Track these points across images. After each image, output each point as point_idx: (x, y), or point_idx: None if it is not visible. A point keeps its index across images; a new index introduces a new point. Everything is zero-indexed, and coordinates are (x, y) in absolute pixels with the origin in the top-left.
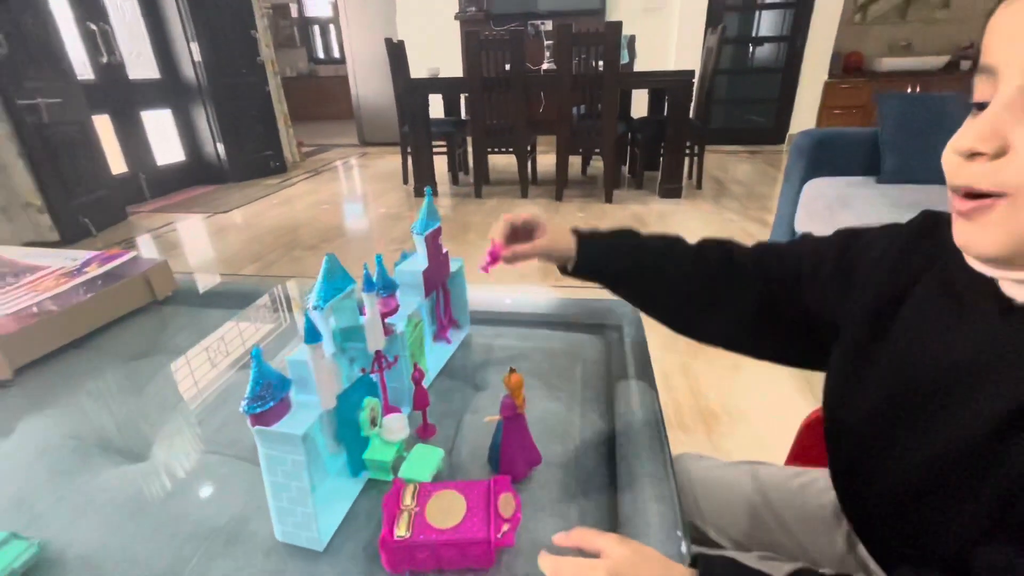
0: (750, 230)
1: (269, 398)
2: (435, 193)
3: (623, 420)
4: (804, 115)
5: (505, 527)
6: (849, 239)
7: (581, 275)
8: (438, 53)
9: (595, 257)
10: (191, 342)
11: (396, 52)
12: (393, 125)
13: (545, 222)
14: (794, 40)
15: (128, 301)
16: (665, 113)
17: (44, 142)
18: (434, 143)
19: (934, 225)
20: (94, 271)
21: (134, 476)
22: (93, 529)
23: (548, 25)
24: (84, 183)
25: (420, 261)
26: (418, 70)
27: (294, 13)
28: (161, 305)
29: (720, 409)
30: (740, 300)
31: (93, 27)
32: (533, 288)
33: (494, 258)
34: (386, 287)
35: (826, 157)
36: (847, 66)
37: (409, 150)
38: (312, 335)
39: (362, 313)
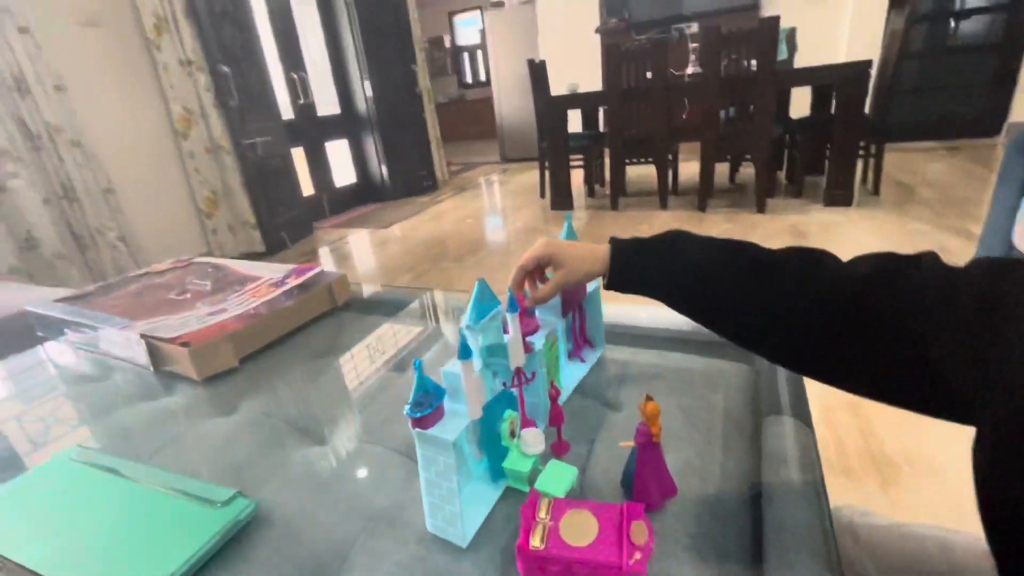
0: (948, 244)
1: (427, 405)
2: (571, 206)
3: (772, 460)
4: None
5: (637, 555)
6: (995, 276)
7: (618, 290)
8: (579, 68)
9: (629, 272)
10: (362, 344)
11: (537, 72)
12: (532, 141)
13: (559, 250)
14: (1018, 8)
15: (316, 307)
16: (832, 110)
17: (258, 172)
18: (571, 157)
19: None
20: (293, 282)
21: (318, 456)
22: (290, 497)
23: (694, 27)
24: (283, 204)
25: None
26: (559, 86)
27: (447, 44)
28: (340, 311)
29: (900, 457)
30: (819, 336)
31: (295, 76)
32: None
33: (523, 313)
34: (528, 308)
35: None
36: None
37: (546, 165)
38: (465, 352)
39: (506, 331)
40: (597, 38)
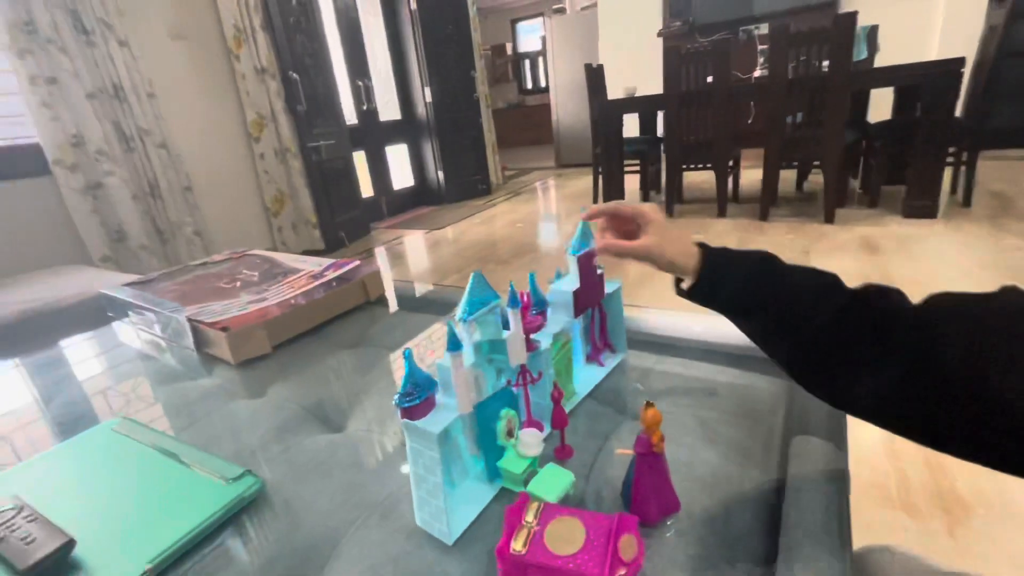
0: None
1: (416, 395)
2: None
3: (796, 485)
4: None
5: (622, 571)
6: None
7: (698, 299)
8: (640, 73)
9: (720, 281)
10: (390, 338)
11: (595, 76)
12: (588, 146)
13: (658, 219)
14: None
15: (350, 300)
16: (918, 114)
17: (321, 174)
18: (627, 162)
19: None
20: (331, 275)
21: (331, 444)
22: (297, 480)
23: (764, 29)
24: (343, 205)
25: (572, 281)
26: (617, 91)
27: (509, 51)
28: (372, 305)
29: (974, 497)
30: (891, 377)
31: (360, 83)
32: (701, 313)
33: (526, 309)
34: (537, 305)
35: None
36: None
37: (600, 170)
38: (454, 344)
39: (507, 327)
40: (659, 42)
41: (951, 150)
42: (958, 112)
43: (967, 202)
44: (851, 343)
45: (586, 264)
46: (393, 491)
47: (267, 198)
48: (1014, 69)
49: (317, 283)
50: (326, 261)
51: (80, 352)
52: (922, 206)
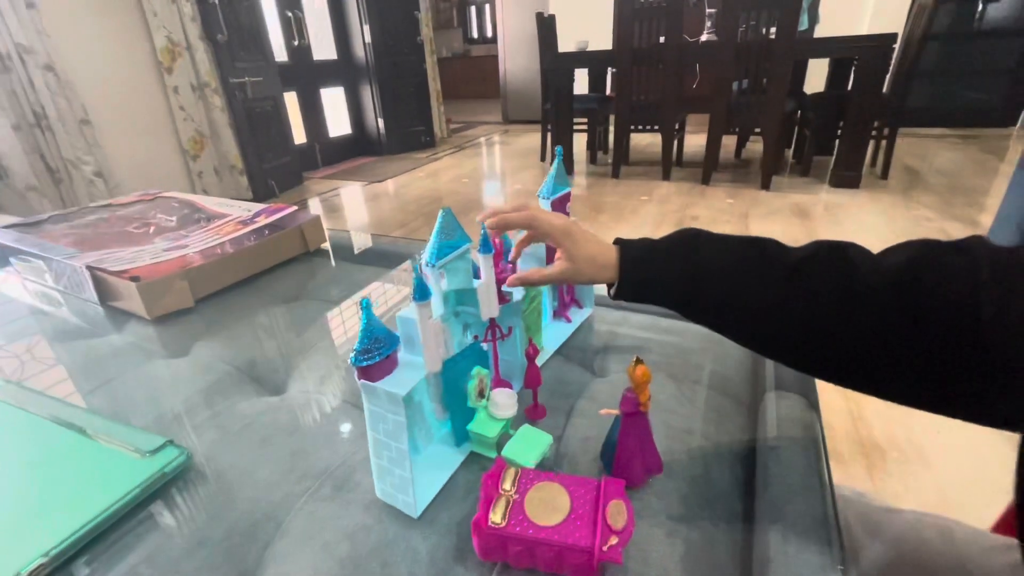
0: (951, 231)
1: (376, 353)
2: (570, 172)
3: (771, 439)
4: None
5: (613, 540)
6: None
7: (626, 300)
8: (591, 27)
9: (640, 281)
10: (333, 292)
11: (546, 27)
12: (536, 103)
13: (572, 241)
14: None
15: (286, 250)
16: (849, 87)
17: (247, 114)
18: (575, 120)
19: None
20: (262, 221)
21: (270, 408)
22: (230, 449)
23: None
24: (273, 150)
25: None
26: (567, 45)
27: None
28: (311, 256)
29: (887, 443)
30: (860, 338)
31: (290, 15)
32: None
33: (499, 255)
34: (507, 253)
35: None
36: None
37: (549, 127)
38: (421, 292)
39: (477, 276)
40: None
41: (875, 125)
42: (885, 88)
43: (885, 175)
44: (807, 315)
45: (560, 210)
46: (347, 459)
47: (184, 139)
48: (933, 52)
49: (247, 229)
50: (257, 206)
51: None
52: (847, 176)
